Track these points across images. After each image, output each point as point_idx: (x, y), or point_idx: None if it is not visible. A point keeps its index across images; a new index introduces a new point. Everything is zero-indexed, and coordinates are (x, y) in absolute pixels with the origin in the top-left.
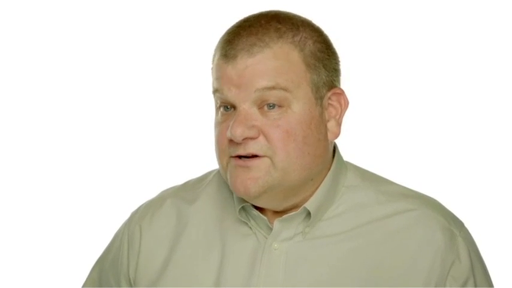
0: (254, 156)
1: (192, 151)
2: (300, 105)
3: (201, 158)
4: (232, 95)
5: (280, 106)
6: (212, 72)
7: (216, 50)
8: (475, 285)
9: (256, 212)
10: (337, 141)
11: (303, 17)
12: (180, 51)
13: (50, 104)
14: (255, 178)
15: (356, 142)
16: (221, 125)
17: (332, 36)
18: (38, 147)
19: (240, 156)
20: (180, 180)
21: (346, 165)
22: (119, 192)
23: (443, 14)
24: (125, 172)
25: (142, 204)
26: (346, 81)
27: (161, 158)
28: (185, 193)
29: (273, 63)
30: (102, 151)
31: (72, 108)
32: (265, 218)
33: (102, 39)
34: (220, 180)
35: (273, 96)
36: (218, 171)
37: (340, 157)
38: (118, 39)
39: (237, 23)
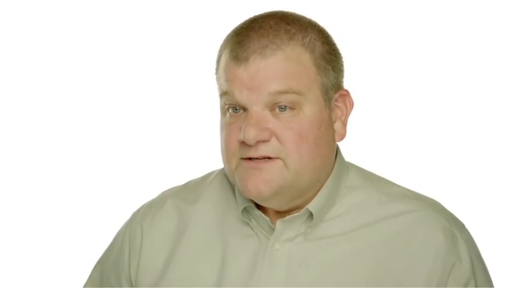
0: (265, 158)
1: (193, 151)
2: (311, 108)
3: (202, 158)
4: (244, 98)
5: (292, 108)
6: (219, 74)
7: (223, 51)
8: (476, 287)
9: (258, 213)
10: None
11: (307, 18)
12: (181, 52)
13: (51, 105)
14: (267, 180)
15: (357, 143)
16: (230, 127)
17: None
18: (39, 147)
19: (250, 158)
20: (181, 181)
21: (347, 166)
22: (120, 192)
23: (445, 14)
24: (126, 172)
25: (144, 205)
26: (346, 82)
27: (162, 158)
28: (186, 193)
29: (285, 66)
30: (104, 151)
31: (73, 109)
32: (267, 218)
33: (103, 41)
34: (222, 181)
35: (285, 99)
36: (219, 172)
37: (342, 158)
38: (119, 40)
39: (243, 23)
